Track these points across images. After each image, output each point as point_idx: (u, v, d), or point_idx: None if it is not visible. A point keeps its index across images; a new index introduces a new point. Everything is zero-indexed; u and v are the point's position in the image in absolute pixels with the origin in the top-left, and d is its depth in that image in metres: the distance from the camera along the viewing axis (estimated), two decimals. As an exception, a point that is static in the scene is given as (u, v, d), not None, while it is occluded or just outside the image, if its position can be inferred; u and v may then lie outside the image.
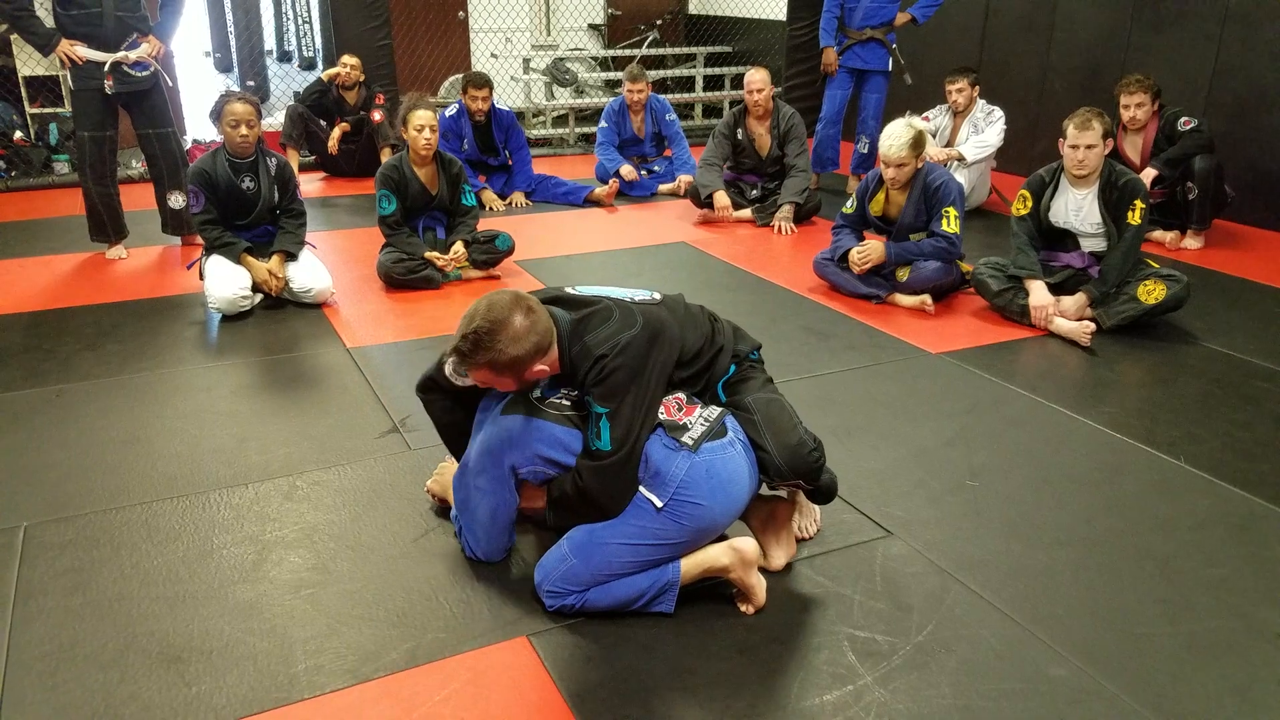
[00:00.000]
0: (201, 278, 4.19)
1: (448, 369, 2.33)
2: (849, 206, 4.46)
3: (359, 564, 2.36)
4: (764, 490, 2.35)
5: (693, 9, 10.37)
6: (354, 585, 2.27)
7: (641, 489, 2.10)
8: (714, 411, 2.19)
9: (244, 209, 4.20)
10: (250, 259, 4.16)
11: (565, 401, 2.21)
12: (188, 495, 2.67)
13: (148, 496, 2.66)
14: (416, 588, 2.26)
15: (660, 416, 2.13)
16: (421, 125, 4.34)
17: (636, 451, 2.11)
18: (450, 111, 5.99)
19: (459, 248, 4.53)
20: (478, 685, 1.96)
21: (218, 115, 4.08)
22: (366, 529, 2.51)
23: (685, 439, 2.09)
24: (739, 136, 5.79)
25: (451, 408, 2.42)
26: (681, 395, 2.20)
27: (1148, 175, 4.97)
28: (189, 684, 1.95)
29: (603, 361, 2.09)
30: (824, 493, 2.38)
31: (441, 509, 2.58)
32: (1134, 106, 5.02)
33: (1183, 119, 5.01)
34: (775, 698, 1.92)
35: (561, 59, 9.03)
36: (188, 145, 6.61)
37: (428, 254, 4.48)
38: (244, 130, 4.06)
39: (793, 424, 2.24)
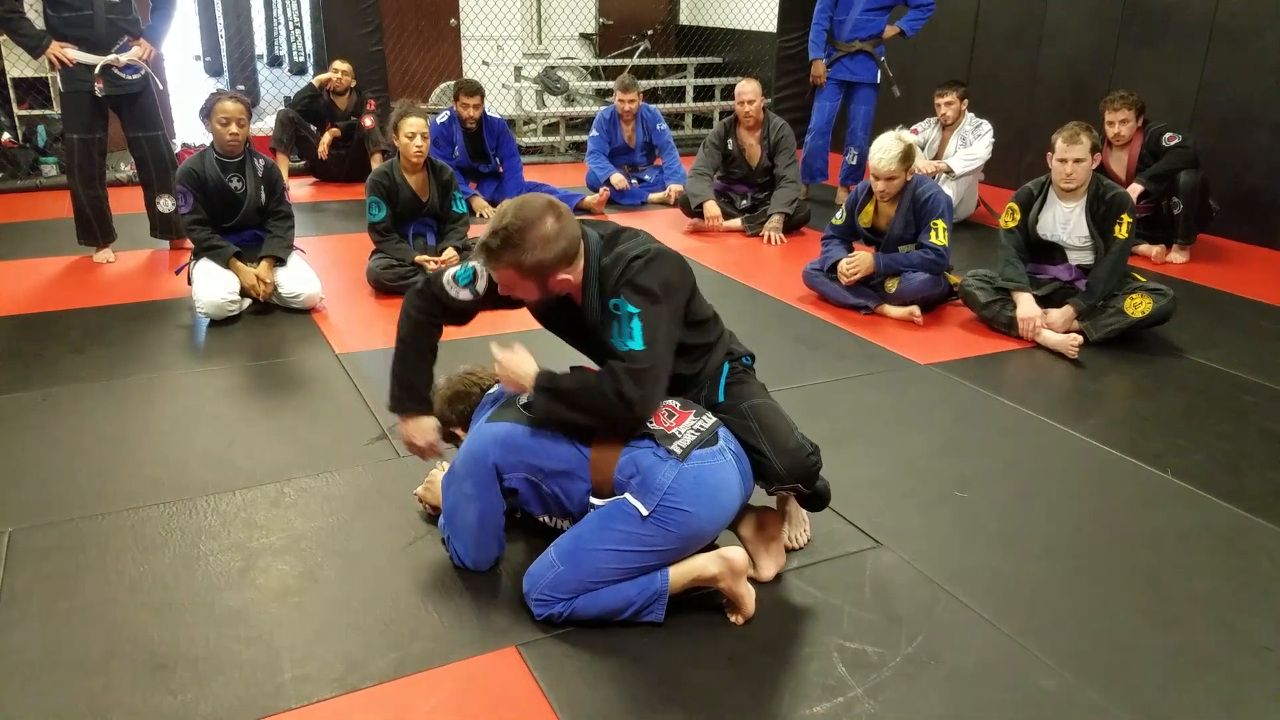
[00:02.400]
0: (190, 282, 4.17)
1: (446, 276, 2.33)
2: (838, 218, 4.47)
3: (347, 571, 2.34)
4: (753, 501, 2.36)
5: (684, 19, 10.40)
6: (341, 593, 2.26)
7: (628, 496, 2.09)
8: (707, 420, 2.19)
9: (231, 210, 4.18)
10: (239, 264, 4.14)
11: None
12: (174, 501, 2.65)
13: (134, 502, 2.64)
14: (405, 596, 2.25)
15: (650, 425, 2.13)
16: (413, 133, 4.34)
17: (668, 358, 2.11)
18: (441, 118, 5.98)
19: (450, 253, 4.53)
20: (466, 695, 1.95)
21: (208, 113, 4.07)
22: (354, 536, 2.49)
23: (674, 447, 2.09)
24: (729, 147, 5.81)
25: (426, 328, 2.39)
26: (674, 402, 2.20)
27: (1133, 191, 5.00)
28: (174, 692, 1.93)
29: (636, 262, 2.12)
30: (818, 499, 2.39)
31: (430, 516, 2.57)
32: (1118, 123, 5.06)
33: (1167, 135, 5.05)
34: (765, 709, 1.92)
35: (553, 67, 9.05)
36: (177, 149, 6.59)
37: (418, 259, 4.47)
38: (234, 128, 4.05)
39: (789, 429, 2.25)
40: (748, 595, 2.17)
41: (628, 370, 2.05)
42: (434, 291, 2.36)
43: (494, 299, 2.32)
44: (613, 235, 2.23)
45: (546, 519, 2.32)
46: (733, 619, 2.18)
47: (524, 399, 2.25)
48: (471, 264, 2.31)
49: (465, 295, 2.32)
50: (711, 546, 2.19)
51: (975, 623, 2.20)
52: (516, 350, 2.23)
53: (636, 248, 2.17)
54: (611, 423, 2.12)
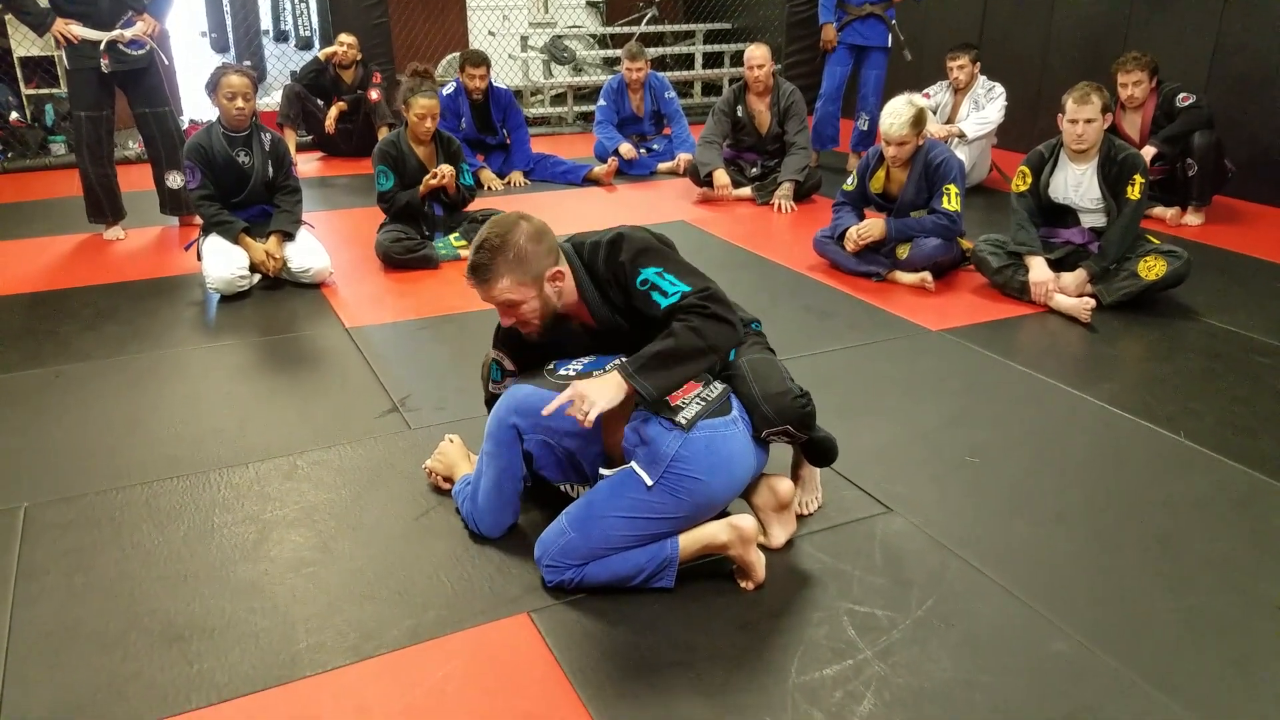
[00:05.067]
0: (199, 258, 4.18)
1: (489, 386, 2.45)
2: (849, 184, 4.44)
3: (360, 543, 2.36)
4: (765, 469, 2.36)
5: (691, -14, 10.29)
6: (355, 564, 2.28)
7: (634, 465, 2.10)
8: (715, 390, 2.19)
9: (239, 185, 4.18)
10: (248, 239, 4.14)
11: (571, 373, 2.21)
12: (188, 475, 2.67)
13: (148, 476, 2.66)
14: (417, 565, 2.27)
15: None
16: (423, 114, 4.34)
17: (711, 282, 2.11)
18: (448, 90, 5.95)
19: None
20: (479, 662, 1.96)
21: (213, 88, 4.06)
22: (367, 508, 2.51)
23: (679, 419, 2.09)
24: (739, 114, 5.76)
25: None
26: None
27: (1147, 153, 4.94)
28: (191, 662, 1.95)
29: (619, 242, 2.17)
30: (822, 452, 2.40)
31: (439, 489, 2.58)
32: (1131, 85, 4.99)
33: (1181, 95, 4.98)
34: (775, 672, 1.93)
35: (559, 37, 8.97)
36: (184, 125, 6.58)
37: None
38: (240, 103, 4.04)
39: (781, 376, 2.26)
40: (758, 562, 2.18)
41: (697, 300, 2.05)
42: (494, 395, 2.43)
43: (528, 364, 2.38)
44: (574, 238, 2.30)
45: (565, 487, 2.32)
46: (743, 585, 2.19)
47: (551, 364, 2.28)
48: (492, 359, 2.44)
49: (510, 383, 2.36)
50: (722, 514, 2.20)
51: (986, 587, 2.20)
52: (581, 385, 2.06)
53: (605, 234, 2.23)
54: (717, 352, 2.08)
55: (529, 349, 2.35)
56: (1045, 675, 1.93)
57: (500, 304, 2.18)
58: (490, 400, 2.46)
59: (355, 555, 2.31)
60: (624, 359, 2.08)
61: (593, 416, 1.99)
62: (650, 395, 2.03)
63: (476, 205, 4.76)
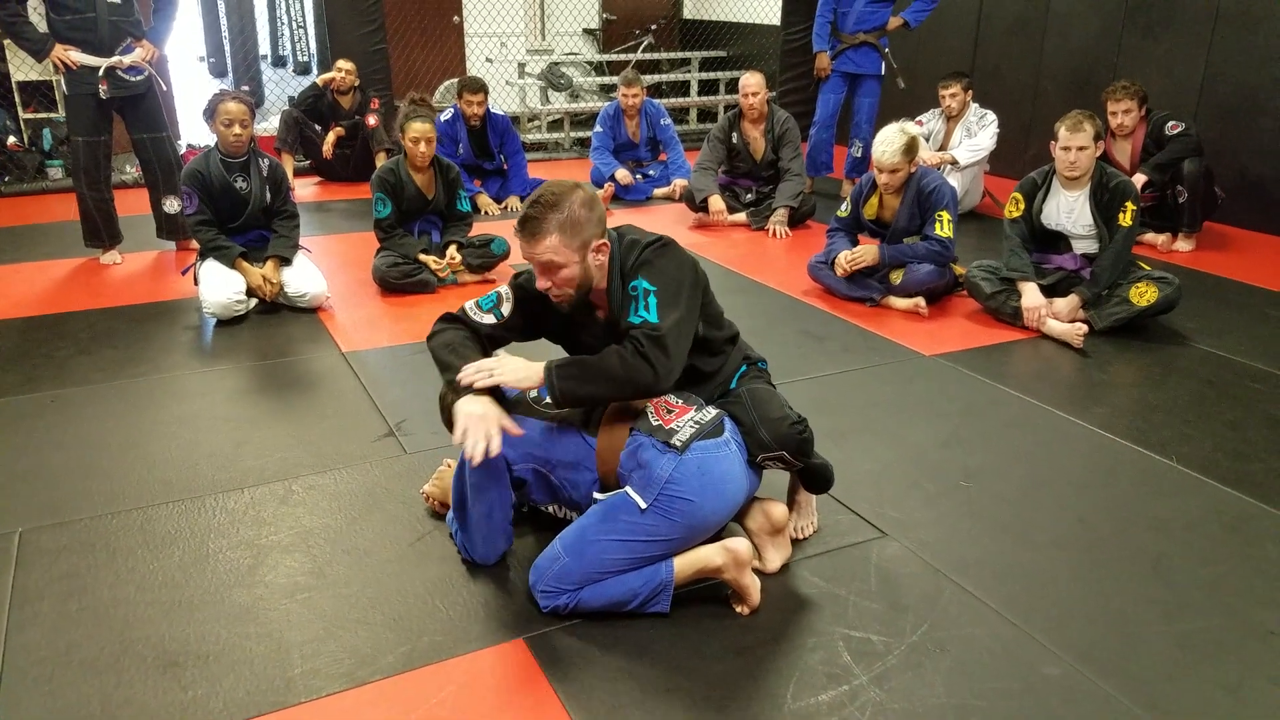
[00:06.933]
0: (196, 283, 4.19)
1: (469, 304, 2.35)
2: (843, 210, 4.47)
3: (355, 568, 2.36)
4: (758, 493, 2.36)
5: (687, 13, 10.39)
6: (350, 589, 2.27)
7: (628, 489, 2.10)
8: (708, 414, 2.20)
9: (236, 210, 4.20)
10: (245, 264, 4.16)
11: None
12: (183, 500, 2.67)
13: (143, 501, 2.66)
14: (412, 591, 2.27)
15: (650, 420, 2.14)
16: (418, 138, 4.36)
17: (683, 334, 2.13)
18: (445, 116, 5.99)
19: (453, 252, 4.54)
20: (474, 688, 1.96)
21: (211, 114, 4.09)
22: (362, 533, 2.51)
23: (674, 441, 2.10)
24: (734, 140, 5.81)
25: (455, 331, 2.32)
26: (673, 398, 2.21)
27: (1137, 180, 4.99)
28: (185, 688, 1.95)
29: (650, 248, 2.19)
30: (819, 479, 2.42)
31: (437, 513, 2.58)
32: (1121, 113, 5.05)
33: (1170, 123, 5.04)
34: (771, 698, 1.93)
35: (556, 63, 9.05)
36: (182, 150, 6.61)
37: (421, 256, 4.49)
38: (237, 129, 4.07)
39: (779, 404, 2.28)
40: (753, 586, 2.18)
41: (645, 335, 2.08)
42: (457, 315, 2.36)
43: (517, 326, 2.34)
44: (622, 228, 2.31)
45: (554, 509, 2.33)
46: (738, 609, 2.19)
47: (534, 393, 2.27)
48: (495, 290, 2.35)
49: (489, 319, 2.33)
50: (717, 537, 2.20)
51: (981, 611, 2.21)
52: (504, 356, 2.23)
53: (649, 236, 2.25)
54: (632, 388, 2.09)
55: (530, 312, 2.31)
56: (1038, 699, 1.94)
57: (542, 263, 2.15)
58: (451, 315, 2.33)
59: (350, 580, 2.31)
60: (554, 359, 2.16)
61: (482, 383, 2.07)
62: (555, 396, 2.11)
63: (474, 231, 4.78)
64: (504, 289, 2.35)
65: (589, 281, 2.21)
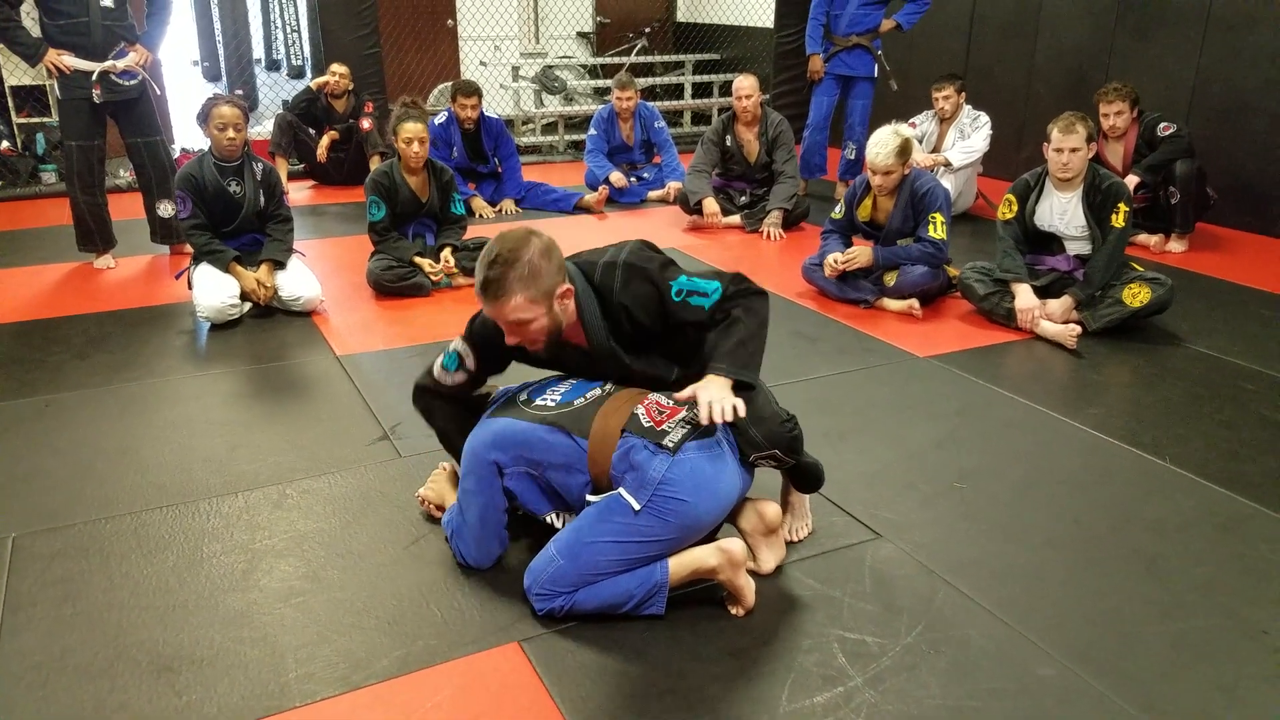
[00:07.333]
0: (190, 287, 4.18)
1: (436, 368, 2.36)
2: (837, 212, 4.48)
3: (349, 571, 2.36)
4: (752, 494, 2.36)
5: (681, 17, 10.40)
6: (345, 593, 2.27)
7: (621, 491, 2.11)
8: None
9: (230, 214, 4.19)
10: (239, 268, 4.15)
11: (550, 401, 2.23)
12: (177, 504, 2.66)
13: (137, 506, 2.65)
14: (407, 594, 2.26)
15: (642, 422, 2.15)
16: (410, 138, 4.35)
17: (721, 273, 2.21)
18: (439, 120, 5.99)
19: (447, 255, 4.54)
20: (469, 691, 1.96)
21: (205, 119, 4.08)
22: (357, 536, 2.51)
23: (665, 442, 2.11)
24: (727, 143, 5.82)
25: (449, 411, 2.44)
26: (664, 400, 2.22)
27: (1130, 182, 5.00)
28: (179, 694, 1.95)
29: (632, 261, 2.21)
30: (810, 478, 2.42)
31: (432, 517, 2.58)
32: (1113, 115, 5.06)
33: (1162, 125, 5.05)
34: (766, 700, 1.93)
35: (550, 67, 9.06)
36: (175, 154, 6.60)
37: (416, 259, 4.48)
38: (231, 133, 4.06)
39: (768, 401, 2.28)
40: (748, 587, 2.18)
41: (734, 293, 2.17)
42: (428, 387, 2.41)
43: (488, 370, 2.36)
44: (578, 260, 2.30)
45: (550, 518, 2.33)
46: (733, 611, 2.19)
47: (525, 395, 2.28)
48: (453, 348, 2.34)
49: (459, 378, 2.35)
50: (711, 539, 2.20)
51: (975, 612, 2.21)
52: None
53: (615, 252, 2.25)
54: (766, 326, 2.22)
55: (494, 355, 2.31)
56: (1033, 700, 1.94)
57: (510, 323, 2.13)
58: (425, 387, 2.40)
59: (345, 584, 2.31)
60: (714, 364, 2.13)
61: (737, 411, 2.04)
62: (754, 382, 2.16)
63: (469, 234, 4.78)
64: (460, 345, 2.34)
65: (559, 327, 2.20)
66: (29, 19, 4.82)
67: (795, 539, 2.47)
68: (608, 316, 2.24)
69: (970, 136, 5.74)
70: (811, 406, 3.28)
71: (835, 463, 2.85)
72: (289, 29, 11.99)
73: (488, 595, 2.26)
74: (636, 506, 2.07)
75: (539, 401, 2.25)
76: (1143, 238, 5.27)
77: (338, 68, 6.71)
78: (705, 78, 9.55)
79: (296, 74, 11.40)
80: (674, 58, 9.89)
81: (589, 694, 1.95)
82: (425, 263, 4.49)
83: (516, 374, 2.52)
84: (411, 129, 4.35)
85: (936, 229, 4.15)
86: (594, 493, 2.18)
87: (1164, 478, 2.85)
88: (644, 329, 2.24)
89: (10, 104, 6.88)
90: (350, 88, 6.77)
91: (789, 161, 5.72)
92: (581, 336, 2.27)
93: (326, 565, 2.38)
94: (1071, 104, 5.58)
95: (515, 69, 9.06)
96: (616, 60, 9.62)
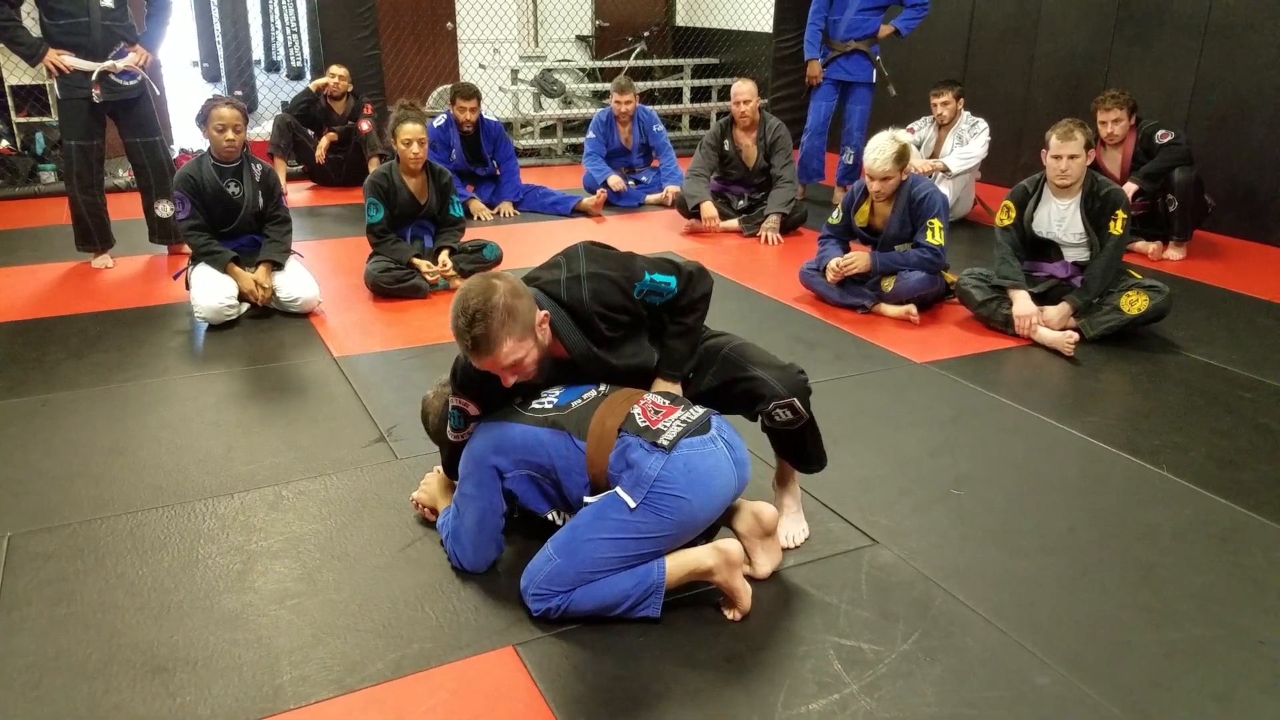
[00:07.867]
0: (188, 287, 4.18)
1: (448, 434, 2.39)
2: (835, 217, 4.48)
3: (345, 574, 2.35)
4: (749, 495, 2.36)
5: (680, 21, 10.41)
6: (340, 595, 2.27)
7: (618, 489, 2.11)
8: (694, 413, 2.20)
9: (229, 215, 4.19)
10: (236, 269, 4.15)
11: (548, 404, 2.23)
12: (173, 505, 2.66)
13: (133, 506, 2.65)
14: (402, 597, 2.26)
15: (638, 422, 2.15)
16: (409, 139, 4.36)
17: (675, 261, 2.35)
18: (438, 122, 5.99)
19: (444, 258, 4.54)
20: (464, 695, 1.96)
21: (204, 120, 4.08)
22: (352, 539, 2.50)
23: (661, 440, 2.11)
24: (726, 147, 5.82)
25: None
26: (659, 399, 2.22)
27: (1128, 190, 5.01)
28: (173, 695, 1.94)
29: (593, 269, 2.28)
30: (816, 447, 2.48)
31: (426, 520, 2.57)
32: (1111, 122, 5.06)
33: (1160, 132, 5.06)
34: (761, 706, 1.93)
35: (549, 70, 9.06)
36: (175, 154, 6.60)
37: (414, 261, 4.48)
38: (230, 135, 4.06)
39: (770, 354, 2.38)
40: (744, 590, 2.18)
41: (683, 291, 2.32)
42: (450, 442, 2.42)
43: (489, 406, 2.34)
44: (537, 280, 2.31)
45: (553, 517, 2.32)
46: (729, 615, 2.19)
47: (519, 398, 2.29)
48: (452, 406, 2.35)
49: (471, 428, 2.35)
50: (708, 541, 2.20)
51: (971, 620, 2.21)
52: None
53: (570, 265, 2.31)
54: (706, 303, 2.41)
55: (490, 393, 2.30)
56: (1028, 708, 1.94)
57: (506, 368, 2.14)
58: (453, 453, 2.41)
59: (340, 587, 2.30)
60: (667, 368, 2.38)
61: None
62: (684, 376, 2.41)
63: (467, 236, 4.78)
64: (454, 400, 2.34)
65: (546, 353, 2.23)
66: (29, 19, 4.81)
67: (791, 545, 2.47)
68: (582, 327, 2.27)
69: (968, 142, 5.74)
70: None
71: (832, 468, 2.84)
72: (288, 30, 11.99)
73: (482, 599, 2.26)
74: (632, 504, 2.08)
75: (535, 404, 2.25)
76: (1140, 245, 5.27)
77: (337, 69, 6.71)
78: (704, 82, 9.56)
79: (296, 75, 11.40)
80: (673, 62, 9.90)
81: (583, 698, 1.95)
82: (423, 265, 4.49)
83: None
84: (410, 131, 4.35)
85: (934, 235, 4.15)
86: (592, 493, 2.18)
87: (1161, 486, 2.85)
88: (618, 325, 2.31)
89: (10, 103, 6.87)
90: (349, 89, 6.77)
91: (787, 166, 5.73)
92: (561, 349, 2.29)
93: (322, 567, 2.37)
94: (1069, 110, 5.60)
95: (514, 72, 9.07)
96: (615, 64, 9.63)
